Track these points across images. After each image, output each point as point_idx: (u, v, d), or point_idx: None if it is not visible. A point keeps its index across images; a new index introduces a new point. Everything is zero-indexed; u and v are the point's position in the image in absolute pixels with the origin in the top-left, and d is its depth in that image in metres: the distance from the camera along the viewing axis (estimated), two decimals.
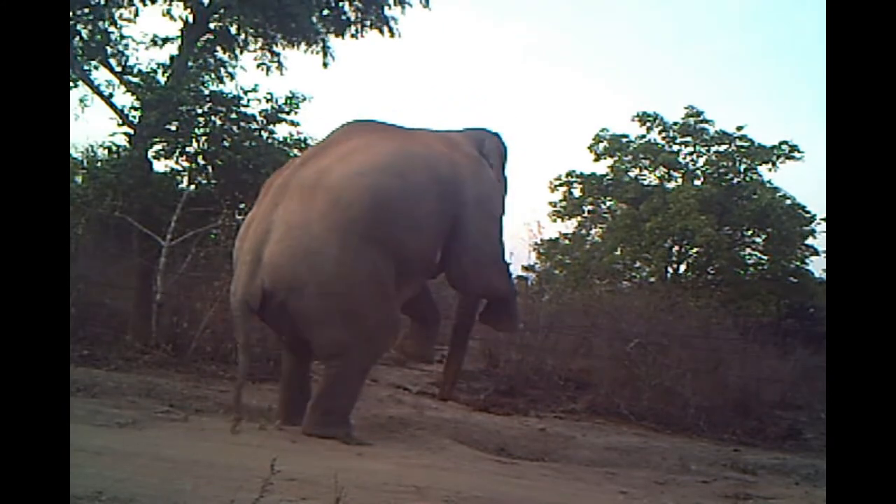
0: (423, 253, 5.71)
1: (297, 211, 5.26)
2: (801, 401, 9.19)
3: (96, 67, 9.58)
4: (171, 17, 9.80)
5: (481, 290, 6.31)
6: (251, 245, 5.30)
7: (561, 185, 17.33)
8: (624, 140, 16.82)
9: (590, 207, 17.42)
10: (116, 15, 9.53)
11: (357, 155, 5.54)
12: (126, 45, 9.57)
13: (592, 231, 17.69)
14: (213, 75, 10.07)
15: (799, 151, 15.86)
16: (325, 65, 10.33)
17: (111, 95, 9.54)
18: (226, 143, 8.67)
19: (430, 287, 6.62)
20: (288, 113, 9.02)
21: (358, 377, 5.65)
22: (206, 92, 9.00)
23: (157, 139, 8.74)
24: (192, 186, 8.86)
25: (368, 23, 10.19)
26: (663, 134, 16.58)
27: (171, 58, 9.45)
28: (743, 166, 16.19)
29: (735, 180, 16.15)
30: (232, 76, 10.30)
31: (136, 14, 9.72)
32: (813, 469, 6.10)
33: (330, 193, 5.27)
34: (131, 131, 8.97)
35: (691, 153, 16.57)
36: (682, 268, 15.96)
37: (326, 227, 5.18)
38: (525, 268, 14.00)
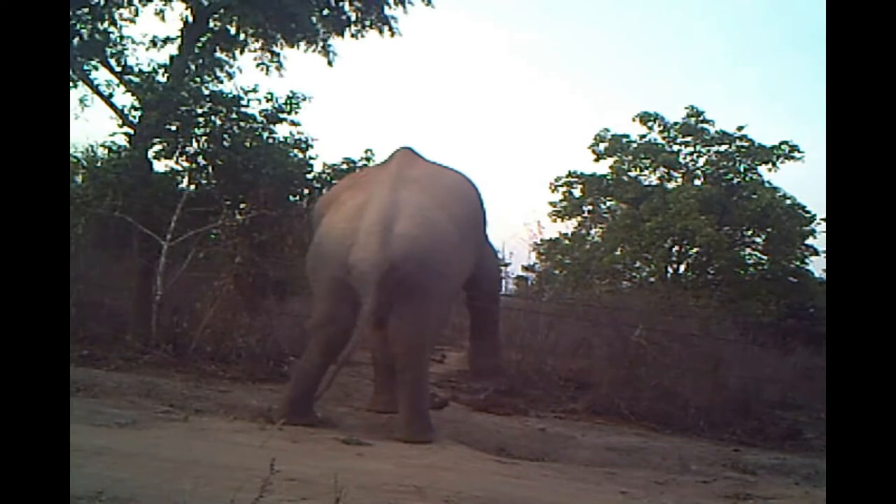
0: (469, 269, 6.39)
1: (423, 197, 5.94)
2: (801, 401, 9.19)
3: (96, 67, 9.57)
4: (163, 19, 9.81)
5: (496, 298, 7.26)
6: (378, 219, 5.70)
7: (561, 185, 17.30)
8: (625, 140, 16.80)
9: (590, 207, 17.39)
10: (116, 15, 9.53)
11: (446, 171, 6.64)
12: (125, 46, 9.57)
13: (592, 231, 17.65)
14: (212, 75, 10.06)
15: (799, 151, 15.83)
16: (329, 63, 10.34)
17: (111, 95, 9.55)
18: (226, 143, 8.67)
19: None
20: (288, 113, 9.02)
21: (427, 371, 6.12)
22: (206, 92, 9.00)
23: (157, 139, 8.74)
24: (192, 186, 8.86)
25: (368, 22, 10.19)
26: (664, 134, 16.56)
27: (171, 58, 9.44)
28: (743, 166, 16.15)
29: (735, 180, 16.12)
30: (231, 76, 10.30)
31: (136, 14, 9.73)
32: (813, 469, 6.10)
33: (450, 190, 6.22)
34: (131, 131, 8.96)
35: (692, 153, 16.54)
36: (682, 268, 15.92)
37: (448, 216, 5.95)
38: (525, 268, 14.01)
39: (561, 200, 17.25)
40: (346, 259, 5.64)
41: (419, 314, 5.67)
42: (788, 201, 15.59)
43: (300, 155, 9.05)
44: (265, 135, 8.94)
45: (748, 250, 16.25)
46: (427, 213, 5.82)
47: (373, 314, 5.53)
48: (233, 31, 9.90)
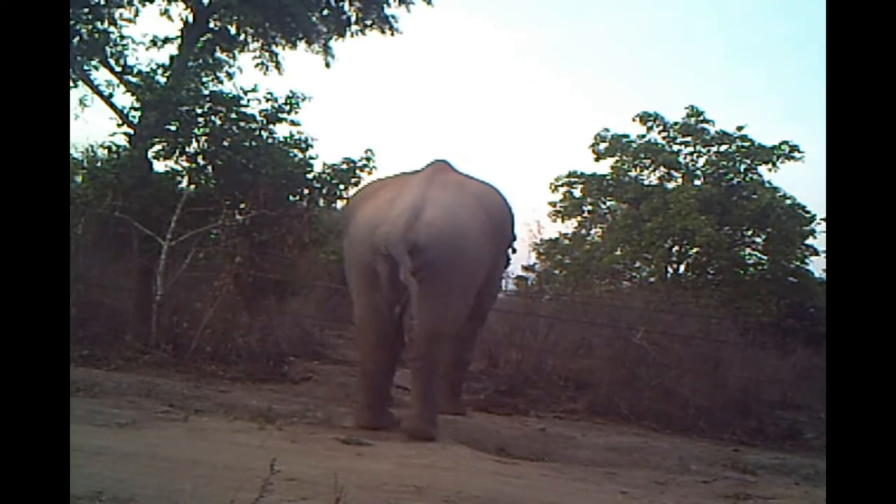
0: (486, 272, 6.47)
1: (452, 198, 6.09)
2: (801, 401, 9.18)
3: (96, 67, 9.56)
4: (169, 18, 9.80)
5: (484, 318, 7.48)
6: (407, 206, 5.80)
7: (561, 185, 17.31)
8: (625, 140, 16.80)
9: (590, 207, 17.39)
10: (116, 15, 9.52)
11: (475, 181, 6.73)
12: (126, 46, 9.56)
13: (592, 231, 17.65)
14: (212, 75, 10.04)
15: (799, 151, 15.82)
16: (327, 64, 10.33)
17: (111, 95, 9.53)
18: (226, 143, 8.65)
19: None
20: (288, 113, 9.00)
21: (442, 364, 6.16)
22: (206, 92, 8.98)
23: (157, 139, 8.72)
24: (192, 186, 8.85)
25: (369, 22, 10.18)
26: (664, 134, 16.56)
27: (171, 58, 9.43)
28: (743, 166, 16.15)
29: (735, 180, 16.12)
30: (231, 76, 10.28)
31: (136, 14, 9.71)
32: (813, 469, 6.10)
33: (477, 198, 6.35)
34: (131, 131, 8.95)
35: (692, 153, 16.54)
36: (682, 268, 15.91)
37: (472, 217, 6.09)
38: (525, 268, 13.97)
39: (561, 200, 17.24)
40: (373, 239, 5.77)
41: (438, 304, 5.78)
42: (788, 201, 15.58)
43: (300, 155, 9.02)
44: (265, 135, 8.93)
45: (748, 250, 16.24)
46: (453, 211, 5.99)
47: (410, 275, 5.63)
48: (233, 31, 9.89)
